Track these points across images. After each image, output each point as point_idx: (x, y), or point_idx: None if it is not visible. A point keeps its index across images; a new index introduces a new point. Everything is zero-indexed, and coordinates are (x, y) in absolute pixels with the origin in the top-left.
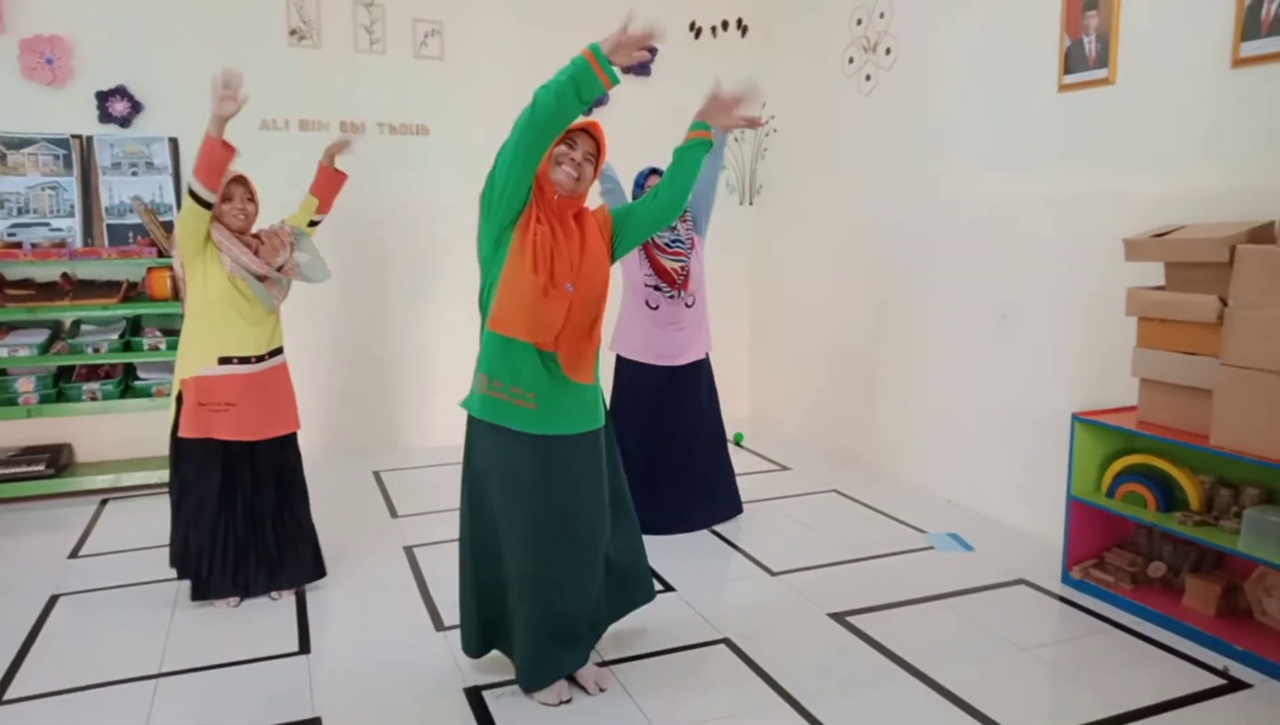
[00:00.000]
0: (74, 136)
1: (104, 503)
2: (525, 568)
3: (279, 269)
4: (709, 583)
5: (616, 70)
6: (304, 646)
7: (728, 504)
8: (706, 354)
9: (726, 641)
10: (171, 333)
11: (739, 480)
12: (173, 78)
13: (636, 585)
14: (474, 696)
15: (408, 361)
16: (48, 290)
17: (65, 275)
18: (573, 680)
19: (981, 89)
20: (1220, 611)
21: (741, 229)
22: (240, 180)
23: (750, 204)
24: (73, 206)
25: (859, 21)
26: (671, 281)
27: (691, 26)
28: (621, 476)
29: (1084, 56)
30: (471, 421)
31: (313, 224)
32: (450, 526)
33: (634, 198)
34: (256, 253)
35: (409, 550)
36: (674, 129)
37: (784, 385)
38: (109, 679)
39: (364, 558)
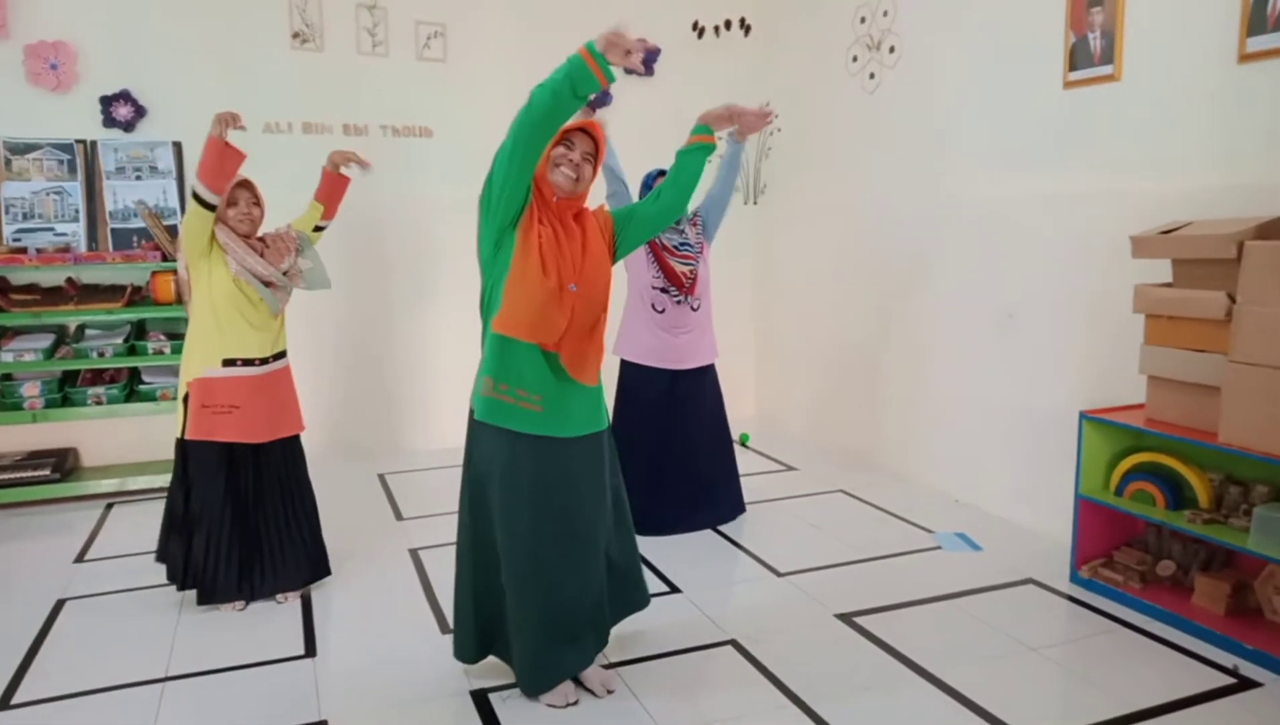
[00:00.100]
0: (78, 141)
1: (109, 507)
2: (525, 568)
3: (284, 273)
4: (715, 584)
5: (613, 67)
6: (310, 650)
7: (731, 507)
8: (712, 362)
9: (733, 643)
10: (176, 337)
11: (745, 481)
12: (176, 82)
13: (635, 586)
14: (480, 699)
15: (410, 363)
16: (52, 295)
17: (70, 280)
18: (579, 683)
19: (986, 87)
20: (1230, 610)
21: (746, 229)
22: (246, 184)
23: (755, 203)
24: (77, 211)
25: (862, 20)
26: (680, 285)
27: (694, 26)
28: (620, 478)
29: (1089, 53)
30: (473, 424)
31: (318, 229)
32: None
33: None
34: (262, 256)
35: (414, 553)
36: (677, 129)
37: (789, 385)
38: (115, 683)
39: (369, 561)
